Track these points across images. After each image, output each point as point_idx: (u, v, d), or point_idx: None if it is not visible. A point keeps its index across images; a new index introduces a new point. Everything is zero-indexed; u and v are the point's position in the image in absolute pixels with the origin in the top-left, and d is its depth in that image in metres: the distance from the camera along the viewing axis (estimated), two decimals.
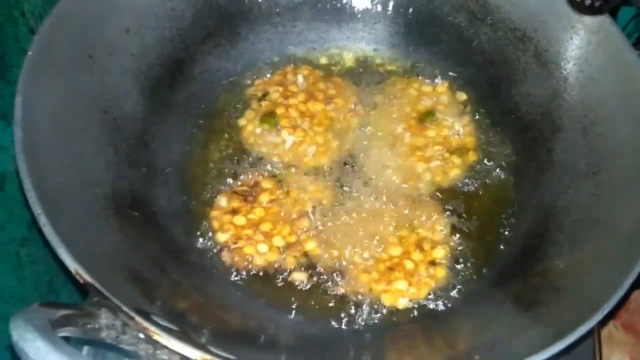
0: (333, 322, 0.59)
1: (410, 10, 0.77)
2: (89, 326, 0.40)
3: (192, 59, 0.72)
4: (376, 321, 0.59)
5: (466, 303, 0.60)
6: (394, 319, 0.60)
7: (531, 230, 0.63)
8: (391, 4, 0.77)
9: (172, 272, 0.56)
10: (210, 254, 0.63)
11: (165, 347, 0.40)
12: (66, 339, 0.38)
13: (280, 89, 0.74)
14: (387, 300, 0.60)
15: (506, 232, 0.65)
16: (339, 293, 0.61)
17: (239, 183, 0.68)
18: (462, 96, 0.75)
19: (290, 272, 0.62)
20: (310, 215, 0.65)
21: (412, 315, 0.60)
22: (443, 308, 0.60)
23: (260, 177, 0.68)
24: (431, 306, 0.60)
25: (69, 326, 0.38)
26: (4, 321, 0.64)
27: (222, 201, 0.66)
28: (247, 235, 0.63)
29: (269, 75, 0.76)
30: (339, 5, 0.78)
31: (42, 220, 0.45)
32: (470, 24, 0.74)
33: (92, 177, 0.56)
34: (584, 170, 0.62)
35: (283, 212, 0.65)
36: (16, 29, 0.65)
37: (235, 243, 0.63)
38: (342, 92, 0.75)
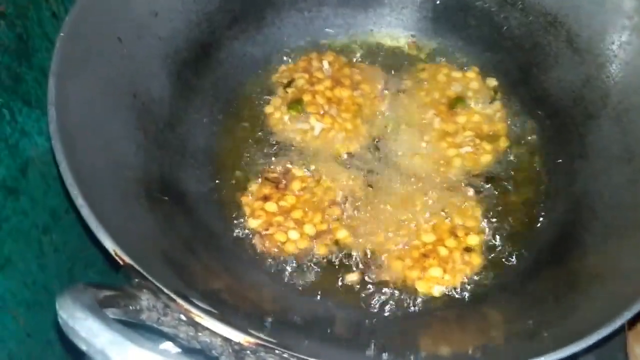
0: (367, 309, 0.59)
1: None
2: (130, 307, 0.39)
3: (219, 43, 0.71)
4: (410, 308, 0.59)
5: (500, 290, 0.59)
6: (428, 306, 0.59)
7: (564, 217, 0.63)
8: None
9: (203, 255, 0.56)
10: (241, 238, 0.63)
11: (207, 329, 0.40)
12: None
13: (306, 75, 0.73)
14: (421, 287, 0.59)
15: (539, 219, 0.65)
16: (372, 280, 0.61)
17: (270, 170, 0.67)
18: (493, 82, 0.74)
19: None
20: (342, 203, 0.65)
21: (446, 302, 0.59)
22: (477, 295, 0.59)
23: (291, 164, 0.67)
24: (465, 293, 0.60)
25: (112, 307, 0.38)
26: (26, 307, 0.64)
27: (254, 187, 0.66)
28: (278, 222, 0.63)
29: (293, 61, 0.76)
30: None
31: (80, 202, 0.44)
32: (500, 9, 0.73)
33: (123, 160, 0.56)
34: (618, 157, 0.61)
35: (314, 200, 0.65)
36: (40, 14, 0.64)
37: (267, 229, 0.62)
38: (369, 78, 0.74)
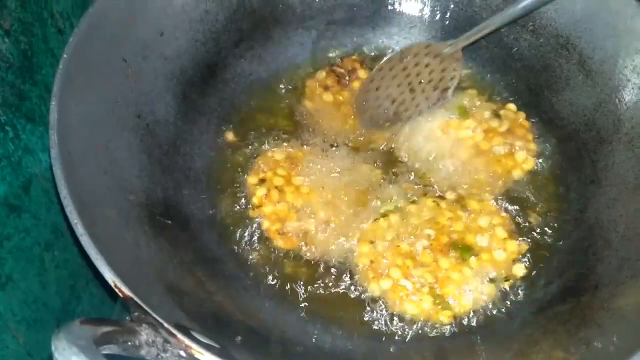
0: (380, 338, 0.58)
1: (448, 14, 0.75)
2: (129, 343, 0.38)
3: (225, 63, 0.71)
4: (420, 333, 0.58)
5: (510, 321, 0.57)
6: (436, 334, 0.58)
7: (576, 245, 0.61)
8: (428, 7, 0.76)
9: (206, 282, 0.55)
10: (245, 263, 0.61)
11: None
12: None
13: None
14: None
15: (550, 247, 0.63)
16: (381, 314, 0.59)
17: (339, 64, 0.75)
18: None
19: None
20: None
21: (454, 331, 0.58)
22: (487, 325, 0.58)
23: (358, 65, 0.74)
24: (475, 323, 0.58)
25: (110, 344, 0.37)
26: (27, 326, 0.63)
27: (321, 75, 0.74)
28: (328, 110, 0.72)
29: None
30: (373, 9, 0.77)
31: (80, 231, 0.43)
32: (510, 30, 0.72)
33: (126, 184, 0.55)
34: (632, 184, 0.60)
35: None
36: (45, 30, 0.64)
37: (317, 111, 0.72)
38: None
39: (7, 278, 0.60)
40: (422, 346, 0.57)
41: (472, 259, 0.60)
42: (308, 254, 0.62)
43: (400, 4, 0.77)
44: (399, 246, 0.61)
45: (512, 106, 0.72)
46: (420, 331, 0.58)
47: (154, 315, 0.39)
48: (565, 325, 0.53)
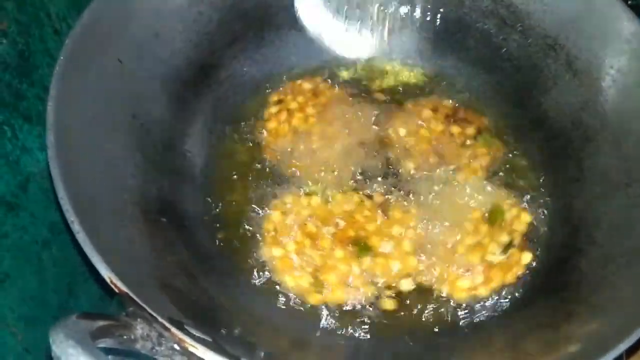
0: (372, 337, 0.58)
1: (438, 15, 0.76)
2: (125, 337, 0.39)
3: (218, 63, 0.72)
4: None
5: (496, 317, 0.58)
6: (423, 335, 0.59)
7: (561, 242, 0.62)
8: (418, 9, 0.76)
9: (200, 279, 0.56)
10: (239, 261, 0.62)
11: (202, 359, 0.40)
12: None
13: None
14: None
15: (534, 243, 0.64)
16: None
17: None
18: None
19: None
20: None
21: (436, 330, 0.59)
22: (472, 323, 0.59)
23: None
24: (460, 322, 0.59)
25: (105, 337, 0.38)
26: (25, 323, 0.64)
27: None
28: None
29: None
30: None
31: (76, 228, 0.44)
32: (499, 31, 0.73)
33: (122, 183, 0.56)
34: (616, 182, 0.61)
35: None
36: (41, 30, 0.65)
37: None
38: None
39: (4, 275, 0.60)
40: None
41: (367, 259, 0.61)
42: None
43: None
44: (306, 224, 0.62)
45: (528, 256, 0.62)
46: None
47: (149, 310, 0.41)
48: (549, 319, 0.54)
